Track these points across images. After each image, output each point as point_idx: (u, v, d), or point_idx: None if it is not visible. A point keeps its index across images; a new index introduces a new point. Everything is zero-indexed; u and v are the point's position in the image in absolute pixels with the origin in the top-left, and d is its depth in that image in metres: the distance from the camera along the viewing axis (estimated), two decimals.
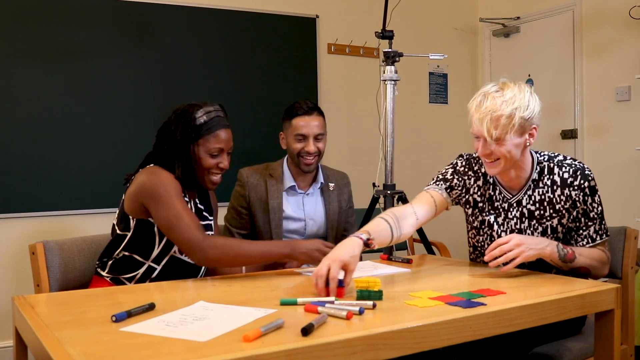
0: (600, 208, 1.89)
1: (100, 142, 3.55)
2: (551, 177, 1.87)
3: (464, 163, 2.03)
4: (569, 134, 4.24)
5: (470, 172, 2.00)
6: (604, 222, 1.90)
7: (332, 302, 1.39)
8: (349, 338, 1.17)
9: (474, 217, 2.02)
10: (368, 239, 1.69)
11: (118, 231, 1.91)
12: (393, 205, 2.97)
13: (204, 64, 3.82)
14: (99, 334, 1.21)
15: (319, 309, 1.34)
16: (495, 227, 1.96)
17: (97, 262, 1.97)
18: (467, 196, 2.01)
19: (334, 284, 1.51)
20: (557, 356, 1.84)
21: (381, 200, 3.02)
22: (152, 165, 1.92)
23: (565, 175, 1.85)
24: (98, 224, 3.42)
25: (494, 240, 1.84)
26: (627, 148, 3.88)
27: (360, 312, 1.33)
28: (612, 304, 1.60)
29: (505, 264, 1.73)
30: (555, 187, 1.87)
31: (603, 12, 4.04)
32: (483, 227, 1.99)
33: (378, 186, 3.10)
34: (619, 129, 3.98)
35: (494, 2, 4.84)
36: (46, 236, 2.49)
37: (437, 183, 2.04)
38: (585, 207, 1.87)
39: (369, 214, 3.04)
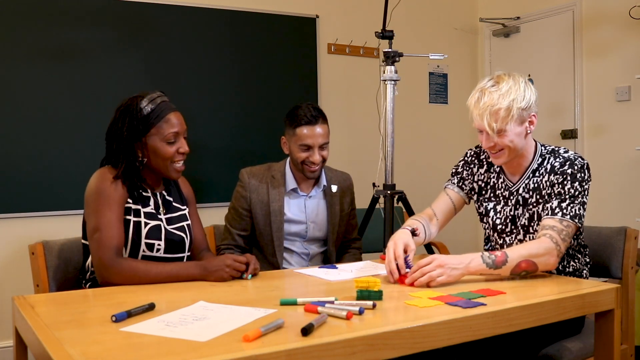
0: (575, 192, 1.83)
1: (101, 142, 3.52)
2: (546, 166, 1.92)
3: (472, 153, 2.13)
4: (569, 134, 4.24)
5: (476, 161, 2.10)
6: (574, 206, 1.82)
7: (332, 302, 1.39)
8: (349, 338, 1.17)
9: (478, 204, 2.09)
10: (413, 229, 1.95)
11: (82, 241, 1.90)
12: (393, 205, 2.98)
13: (204, 64, 3.82)
14: (99, 334, 1.21)
15: (319, 309, 1.34)
16: (492, 213, 2.02)
17: (80, 276, 1.96)
18: (473, 184, 2.09)
19: (401, 260, 1.74)
20: (557, 356, 1.84)
21: (381, 200, 3.02)
22: (104, 167, 1.88)
23: (556, 164, 1.89)
24: None
25: (491, 228, 2.01)
26: (627, 148, 3.88)
27: (360, 312, 1.33)
28: (612, 304, 1.60)
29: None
30: (545, 174, 1.91)
31: (603, 12, 4.05)
32: (483, 215, 2.06)
33: (378, 186, 3.10)
34: (619, 129, 3.98)
35: (494, 2, 4.84)
36: (46, 236, 2.49)
37: (451, 179, 2.15)
38: (560, 189, 1.85)
39: (369, 214, 3.05)
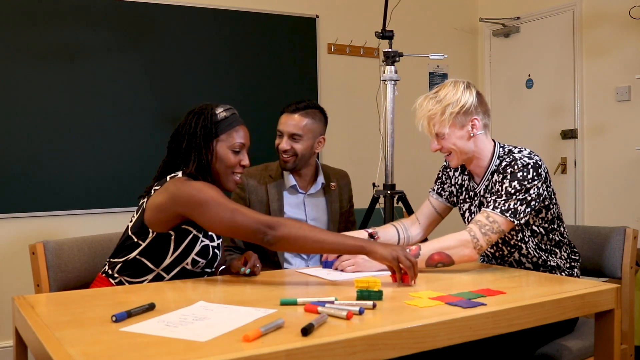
0: (512, 189, 1.85)
1: (100, 142, 3.55)
2: (500, 167, 1.97)
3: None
4: (569, 134, 4.24)
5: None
6: (508, 201, 1.85)
7: (332, 302, 1.39)
8: (349, 338, 1.17)
9: (459, 206, 2.16)
10: (371, 232, 2.10)
11: (135, 239, 1.86)
12: (393, 206, 2.98)
13: (204, 64, 3.82)
14: (99, 334, 1.21)
15: (319, 309, 1.34)
16: (467, 214, 2.09)
17: (107, 261, 1.95)
18: (452, 187, 2.17)
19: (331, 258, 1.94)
20: (557, 356, 1.84)
21: (381, 200, 3.02)
22: (179, 175, 1.86)
23: (504, 164, 1.93)
24: (98, 224, 3.42)
25: None
26: (627, 148, 3.88)
27: (360, 312, 1.33)
28: (612, 304, 1.60)
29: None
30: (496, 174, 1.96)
31: (603, 12, 4.05)
32: (463, 215, 2.14)
33: (378, 186, 3.10)
34: (619, 129, 3.98)
35: (494, 2, 4.84)
36: (46, 236, 2.50)
37: (434, 186, 2.23)
38: (498, 187, 1.90)
39: (369, 214, 3.04)
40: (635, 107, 3.89)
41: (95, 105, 3.53)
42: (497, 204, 1.86)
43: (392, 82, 3.00)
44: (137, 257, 1.84)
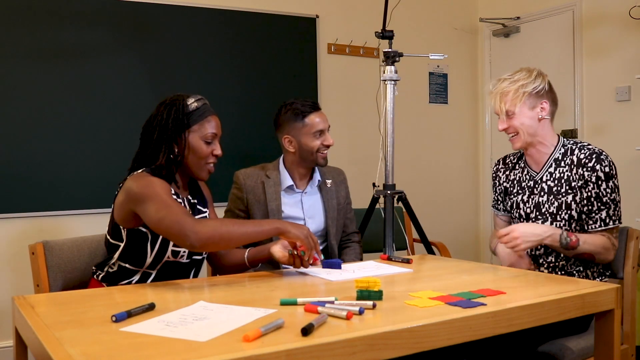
0: (614, 195, 1.99)
1: (100, 142, 3.55)
2: (571, 157, 2.05)
3: (497, 164, 2.30)
4: (569, 134, 4.24)
5: (502, 167, 2.27)
6: (617, 209, 2.01)
7: (332, 302, 1.39)
8: (349, 338, 1.17)
9: (506, 202, 2.21)
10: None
11: (111, 240, 1.88)
12: (393, 205, 2.97)
13: (204, 64, 3.83)
14: (99, 334, 1.21)
15: (319, 309, 1.34)
16: (521, 205, 2.13)
17: (93, 268, 1.95)
18: (501, 188, 2.24)
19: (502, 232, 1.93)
20: (558, 355, 1.84)
21: (381, 200, 3.01)
22: (140, 171, 1.87)
23: (582, 156, 2.02)
24: (98, 224, 3.41)
25: (524, 219, 2.12)
26: (627, 148, 3.88)
27: (360, 312, 1.33)
28: (612, 304, 1.60)
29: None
30: (572, 166, 2.03)
31: (603, 12, 4.04)
32: (513, 209, 2.17)
33: (378, 186, 3.10)
34: (619, 129, 3.98)
35: (494, 2, 4.84)
36: (46, 236, 2.49)
37: (493, 202, 2.32)
38: (598, 191, 1.98)
39: (369, 214, 3.04)
40: (635, 107, 3.89)
41: (96, 105, 3.53)
42: (614, 217, 2.01)
43: (392, 82, 3.00)
44: (121, 263, 1.85)
